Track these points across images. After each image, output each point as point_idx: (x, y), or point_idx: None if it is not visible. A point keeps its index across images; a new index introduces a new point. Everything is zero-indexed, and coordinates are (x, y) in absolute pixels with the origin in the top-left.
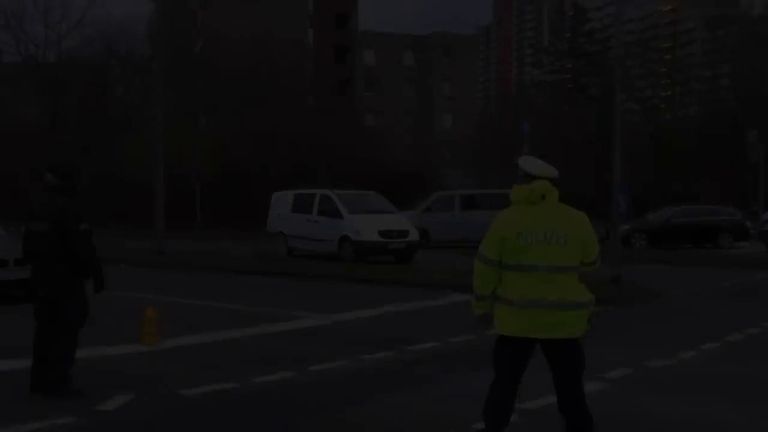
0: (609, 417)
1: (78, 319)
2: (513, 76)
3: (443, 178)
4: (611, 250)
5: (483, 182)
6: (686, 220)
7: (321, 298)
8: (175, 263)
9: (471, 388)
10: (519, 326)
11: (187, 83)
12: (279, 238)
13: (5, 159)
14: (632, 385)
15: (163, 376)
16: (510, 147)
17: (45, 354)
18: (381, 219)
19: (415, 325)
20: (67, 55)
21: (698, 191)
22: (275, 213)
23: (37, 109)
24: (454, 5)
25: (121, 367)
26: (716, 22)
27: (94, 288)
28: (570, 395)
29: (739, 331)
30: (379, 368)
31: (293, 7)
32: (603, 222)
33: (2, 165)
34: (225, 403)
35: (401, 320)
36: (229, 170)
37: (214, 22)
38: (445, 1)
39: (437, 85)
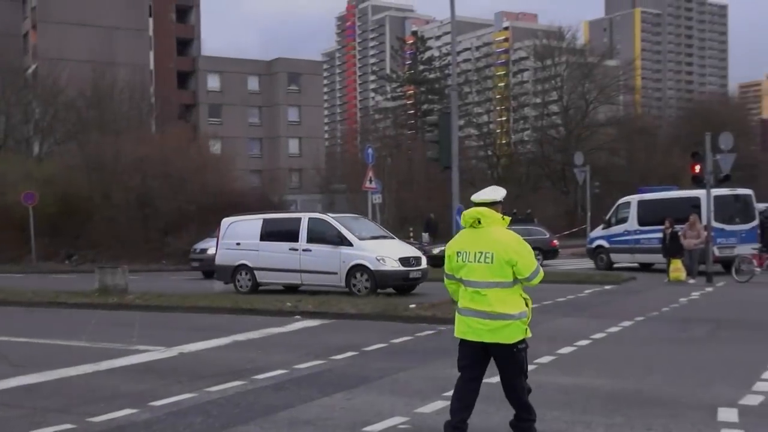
0: None
1: None
2: (357, 101)
3: (290, 204)
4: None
5: (331, 206)
6: None
7: (166, 330)
8: (7, 299)
9: (322, 413)
10: (461, 330)
11: (19, 107)
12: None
13: None
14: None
15: None
16: (356, 172)
17: None
18: (391, 245)
19: (263, 353)
20: None
21: (533, 212)
22: (229, 242)
23: None
24: (299, 32)
25: None
26: (544, 52)
27: None
28: (509, 391)
29: (570, 345)
30: (228, 399)
31: (133, 31)
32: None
33: None
34: None
35: (249, 349)
36: (68, 198)
37: (49, 45)
38: (290, 28)
39: (283, 110)
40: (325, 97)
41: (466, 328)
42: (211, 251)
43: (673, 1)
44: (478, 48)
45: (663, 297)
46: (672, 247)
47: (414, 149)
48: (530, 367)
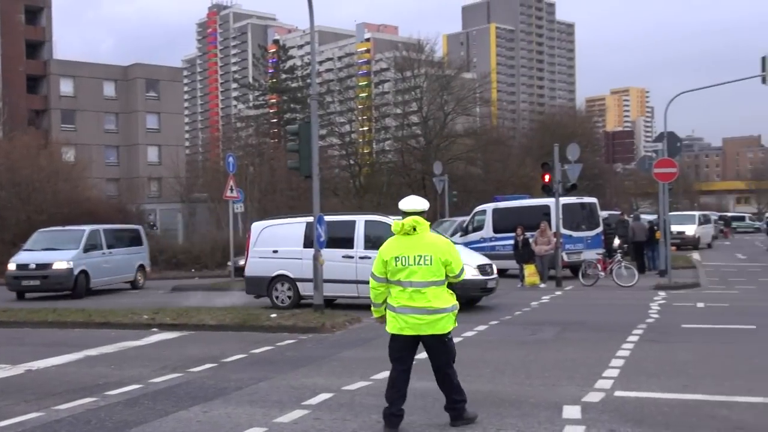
0: None
1: None
2: (219, 109)
3: (149, 213)
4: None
5: (192, 216)
6: None
7: (12, 347)
8: None
9: (178, 427)
10: (397, 327)
11: None
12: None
13: None
14: (336, 410)
15: None
16: (218, 180)
17: None
18: (461, 249)
19: (117, 368)
20: None
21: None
22: (264, 250)
23: None
24: (158, 37)
25: None
26: (404, 64)
27: None
28: (442, 378)
29: None
30: (78, 418)
31: None
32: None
33: None
34: None
35: (102, 364)
36: None
37: None
38: (149, 33)
39: (141, 117)
40: (186, 105)
41: (404, 324)
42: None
43: (525, 18)
44: (340, 58)
45: (516, 301)
46: (524, 253)
47: (276, 158)
48: (387, 374)
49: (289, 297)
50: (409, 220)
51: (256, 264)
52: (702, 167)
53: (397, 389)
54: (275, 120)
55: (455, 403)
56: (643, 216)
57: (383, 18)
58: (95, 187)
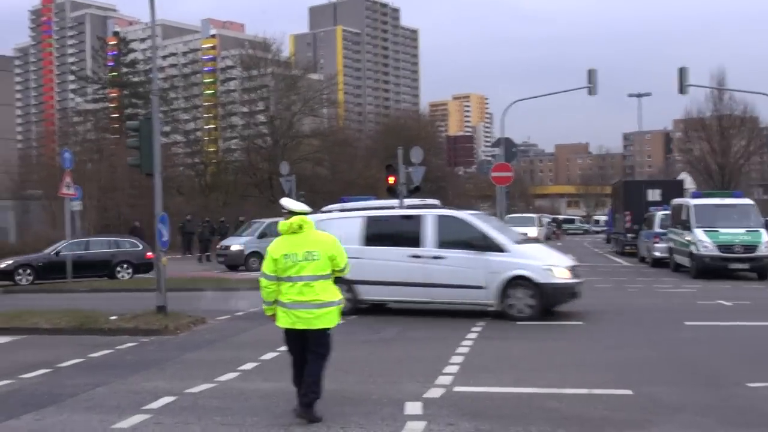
0: None
1: None
2: (56, 102)
3: None
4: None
5: (26, 213)
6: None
7: None
8: None
9: None
10: (289, 322)
11: None
12: None
13: None
14: (178, 414)
15: None
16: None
17: None
18: (548, 251)
19: None
20: None
21: (244, 219)
22: None
23: None
24: None
25: None
26: (251, 62)
27: None
28: (313, 369)
29: (273, 350)
30: None
31: None
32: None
33: None
34: None
35: None
36: None
37: None
38: None
39: None
40: (18, 96)
41: (295, 319)
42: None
43: (371, 22)
44: (185, 54)
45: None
46: None
47: (117, 154)
48: (232, 375)
49: (348, 300)
50: (296, 219)
51: None
52: (536, 172)
53: (295, 374)
54: (116, 115)
55: (311, 393)
56: None
57: (229, 15)
58: None
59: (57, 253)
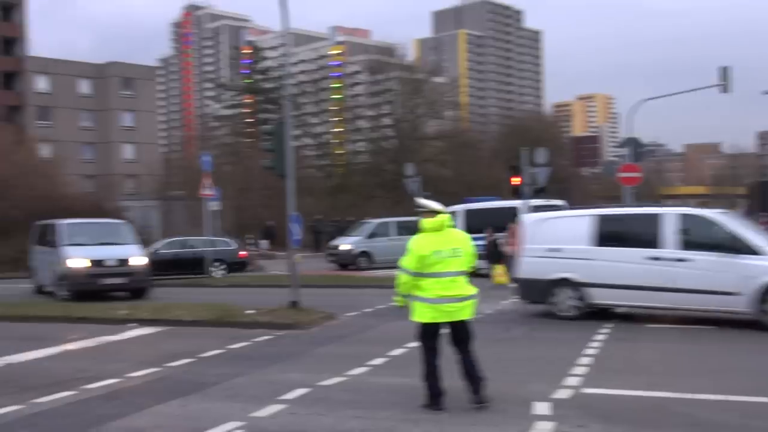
0: None
1: None
2: (195, 108)
3: (125, 211)
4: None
5: (169, 214)
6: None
7: None
8: None
9: (156, 421)
10: (431, 316)
11: None
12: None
13: None
14: (311, 405)
15: None
16: (194, 179)
17: None
18: None
19: (96, 362)
20: None
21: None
22: (539, 248)
23: None
24: (134, 36)
25: None
26: (376, 67)
27: None
28: (471, 359)
29: (401, 347)
30: (57, 411)
31: None
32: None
33: None
34: None
35: (81, 358)
36: None
37: None
38: (125, 32)
39: (116, 115)
40: (162, 104)
41: (439, 314)
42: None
43: (494, 25)
44: (314, 60)
45: (486, 300)
46: (493, 254)
47: (252, 157)
48: (362, 370)
49: (575, 305)
50: (442, 217)
51: (531, 265)
52: (665, 172)
53: (432, 369)
54: (250, 120)
55: (481, 379)
56: None
57: (356, 22)
58: (71, 183)
59: (155, 252)
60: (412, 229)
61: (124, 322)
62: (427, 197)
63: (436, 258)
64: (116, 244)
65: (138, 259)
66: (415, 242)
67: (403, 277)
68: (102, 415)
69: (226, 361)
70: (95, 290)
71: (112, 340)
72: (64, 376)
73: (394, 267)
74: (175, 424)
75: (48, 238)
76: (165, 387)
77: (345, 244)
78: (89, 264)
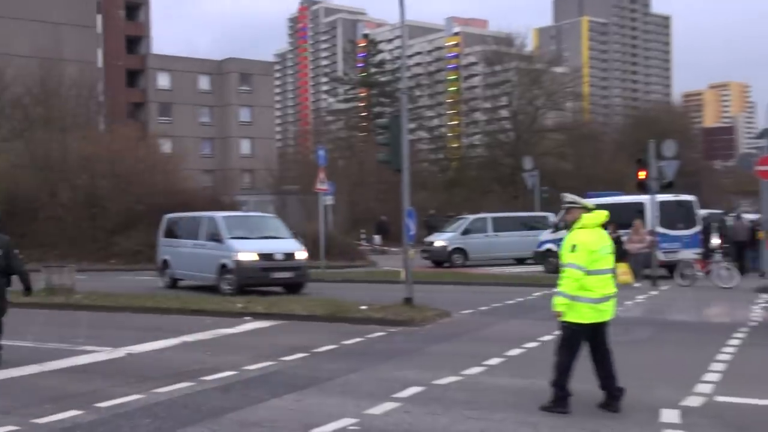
0: None
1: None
2: (310, 103)
3: (242, 205)
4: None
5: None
6: None
7: (113, 331)
8: None
9: (271, 415)
10: (594, 316)
11: None
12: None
13: None
14: (426, 404)
15: None
16: (308, 173)
17: None
18: None
19: (212, 354)
20: None
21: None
22: None
23: None
24: (252, 32)
25: None
26: (494, 58)
27: (26, 293)
28: (609, 358)
29: (519, 347)
30: (175, 401)
31: (81, 28)
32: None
33: None
34: None
35: (198, 350)
36: (13, 197)
37: None
38: (244, 29)
39: (234, 110)
40: (278, 98)
41: (599, 313)
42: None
43: (618, 11)
44: (429, 52)
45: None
46: (617, 252)
47: (366, 151)
48: (478, 369)
49: None
50: (601, 214)
51: None
52: None
53: (568, 371)
54: (364, 114)
55: (616, 383)
56: (744, 215)
57: (473, 12)
58: (191, 178)
59: None
60: (510, 226)
61: (239, 315)
62: (543, 192)
63: (601, 254)
64: (275, 237)
65: (301, 253)
66: (580, 238)
67: (576, 273)
68: (219, 407)
69: (339, 356)
70: (264, 284)
71: (228, 333)
72: (182, 368)
73: (491, 265)
74: (290, 418)
75: (183, 231)
76: (280, 381)
77: (439, 241)
78: (257, 257)
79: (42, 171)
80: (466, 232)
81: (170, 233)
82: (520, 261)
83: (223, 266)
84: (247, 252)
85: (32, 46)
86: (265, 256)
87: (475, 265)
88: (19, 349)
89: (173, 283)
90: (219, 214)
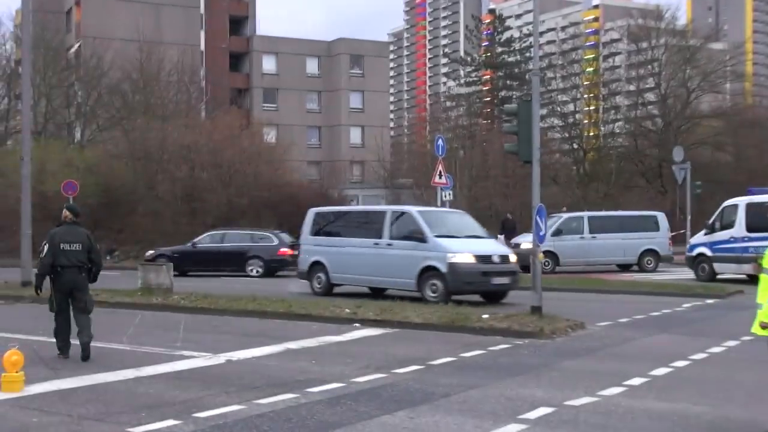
0: None
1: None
2: (427, 87)
3: (351, 200)
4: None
5: (396, 203)
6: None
7: (213, 335)
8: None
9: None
10: None
11: (60, 89)
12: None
13: None
14: (556, 427)
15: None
16: (424, 165)
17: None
18: None
19: (318, 363)
20: None
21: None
22: None
23: None
24: (365, 11)
25: None
26: (640, 33)
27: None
28: None
29: (666, 365)
30: (279, 414)
31: (182, 8)
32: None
33: None
34: None
35: (302, 358)
36: (111, 189)
37: (93, 22)
38: (354, 7)
39: (344, 96)
40: (392, 82)
41: None
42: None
43: None
44: (563, 28)
45: None
46: None
47: (489, 141)
48: (617, 390)
49: None
50: None
51: None
52: None
53: None
54: (488, 98)
55: None
56: None
57: None
58: (296, 169)
59: (194, 245)
60: (610, 226)
61: (348, 321)
62: (696, 188)
63: None
64: (477, 237)
65: (512, 255)
66: None
67: None
68: (324, 422)
69: (458, 370)
70: (482, 291)
71: (335, 341)
72: (285, 377)
73: (587, 271)
74: None
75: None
76: (391, 395)
77: (527, 242)
78: (474, 260)
79: (140, 162)
80: (557, 233)
81: (323, 231)
82: (624, 267)
83: (428, 269)
84: (462, 253)
85: (132, 29)
86: (483, 258)
87: (568, 271)
88: (114, 352)
89: (329, 290)
90: (413, 209)
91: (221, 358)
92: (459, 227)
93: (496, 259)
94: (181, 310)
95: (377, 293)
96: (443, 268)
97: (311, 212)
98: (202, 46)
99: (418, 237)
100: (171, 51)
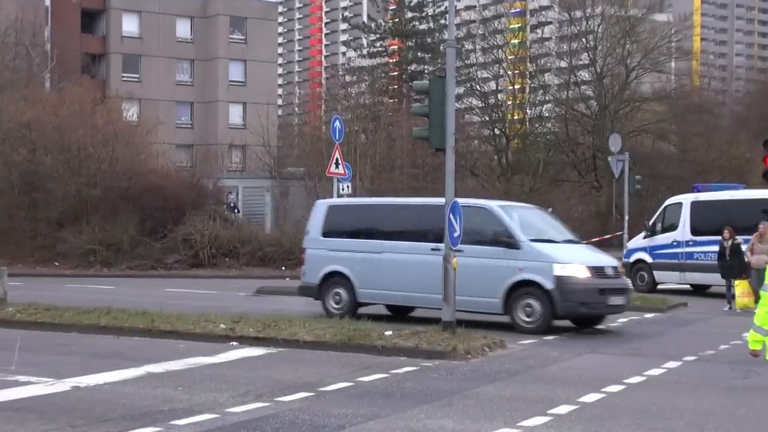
0: None
1: None
2: (323, 57)
3: (229, 192)
4: None
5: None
6: None
7: (56, 356)
8: None
9: None
10: None
11: None
12: None
13: None
14: None
15: None
16: (318, 151)
17: None
18: None
19: (186, 390)
20: None
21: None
22: None
23: None
24: None
25: None
26: (573, 1)
27: None
28: None
29: (597, 391)
30: None
31: None
32: None
33: None
34: None
35: (167, 384)
36: None
37: None
38: None
39: (222, 65)
40: (280, 51)
41: None
42: None
43: None
44: None
45: (722, 330)
46: (733, 265)
47: (396, 124)
48: (541, 420)
49: None
50: None
51: None
52: None
53: None
54: (396, 73)
55: None
56: None
57: None
58: (163, 155)
59: None
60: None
61: (223, 339)
62: (636, 182)
63: None
64: (573, 242)
65: (621, 268)
66: None
67: None
68: None
69: (354, 397)
70: (598, 314)
71: (207, 363)
72: (145, 408)
73: None
74: None
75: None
76: (274, 429)
77: None
78: (588, 273)
79: None
80: None
81: (343, 231)
82: None
83: (521, 284)
84: (573, 264)
85: None
86: (597, 271)
87: None
88: None
89: (353, 310)
90: (493, 204)
91: (66, 385)
92: (546, 228)
93: (609, 272)
94: (16, 326)
95: (400, 312)
96: (548, 284)
97: (322, 205)
98: (48, 1)
99: (505, 241)
100: (8, 5)
